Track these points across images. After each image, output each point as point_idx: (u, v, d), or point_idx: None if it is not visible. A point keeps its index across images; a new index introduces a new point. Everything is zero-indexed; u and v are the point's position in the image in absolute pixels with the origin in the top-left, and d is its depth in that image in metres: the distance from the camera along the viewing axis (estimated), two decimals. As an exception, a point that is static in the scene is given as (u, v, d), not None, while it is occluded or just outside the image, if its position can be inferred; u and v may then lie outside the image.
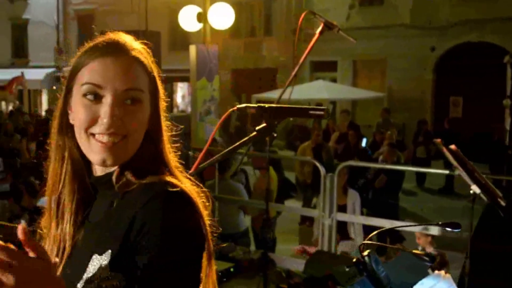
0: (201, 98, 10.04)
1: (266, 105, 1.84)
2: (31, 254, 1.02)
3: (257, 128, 1.88)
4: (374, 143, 13.44)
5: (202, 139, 9.89)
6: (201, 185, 1.44)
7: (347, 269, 5.41)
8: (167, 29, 23.16)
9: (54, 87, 30.85)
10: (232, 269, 5.85)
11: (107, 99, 1.33)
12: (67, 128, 1.44)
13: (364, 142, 13.23)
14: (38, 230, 1.53)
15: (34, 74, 27.60)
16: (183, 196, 1.31)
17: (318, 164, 6.51)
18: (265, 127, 1.86)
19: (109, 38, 1.40)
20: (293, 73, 3.88)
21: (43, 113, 23.21)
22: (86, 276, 1.31)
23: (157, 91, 1.44)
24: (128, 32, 1.48)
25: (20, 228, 1.02)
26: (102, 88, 1.33)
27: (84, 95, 1.35)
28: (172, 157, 1.47)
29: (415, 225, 5.12)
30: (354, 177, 9.39)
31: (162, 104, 1.47)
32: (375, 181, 9.80)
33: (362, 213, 8.51)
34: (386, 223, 6.34)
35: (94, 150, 1.36)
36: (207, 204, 1.40)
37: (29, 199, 9.17)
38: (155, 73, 1.44)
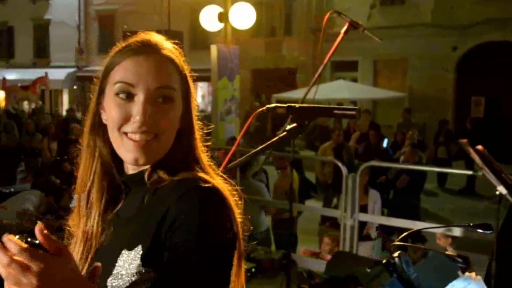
0: (222, 98, 10.05)
1: (296, 105, 1.82)
2: (59, 248, 1.05)
3: (287, 128, 1.86)
4: (395, 143, 13.37)
5: (222, 139, 9.89)
6: (233, 183, 1.44)
7: (368, 270, 5.40)
8: (188, 28, 23.22)
9: (75, 87, 31.12)
10: (253, 269, 5.85)
11: (140, 97, 1.34)
12: (98, 128, 1.46)
13: (385, 143, 13.16)
14: (67, 228, 1.54)
15: (55, 74, 27.78)
16: (216, 192, 1.32)
17: (340, 164, 6.48)
18: (295, 127, 1.85)
19: (141, 38, 1.42)
20: (318, 73, 3.87)
21: (64, 113, 23.36)
22: (115, 271, 1.32)
23: (189, 90, 1.45)
24: (151, 32, 1.49)
25: (38, 229, 1.04)
26: (134, 86, 1.35)
27: (117, 94, 1.36)
28: (205, 156, 1.48)
29: (446, 227, 5.07)
30: (375, 177, 9.34)
31: (194, 104, 1.48)
32: (396, 182, 9.74)
33: (382, 214, 8.46)
34: (408, 224, 6.30)
35: (127, 149, 1.37)
36: (239, 202, 1.40)
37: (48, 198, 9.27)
38: (187, 73, 1.45)
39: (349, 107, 1.77)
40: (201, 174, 1.37)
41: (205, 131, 1.53)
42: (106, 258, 1.35)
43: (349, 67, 22.61)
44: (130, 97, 1.35)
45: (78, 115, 20.11)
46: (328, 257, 6.64)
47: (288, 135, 1.89)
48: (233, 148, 1.99)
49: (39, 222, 1.05)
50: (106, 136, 1.44)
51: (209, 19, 9.97)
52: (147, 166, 1.40)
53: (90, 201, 1.47)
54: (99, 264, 1.23)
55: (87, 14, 31.29)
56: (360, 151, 12.47)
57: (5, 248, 1.01)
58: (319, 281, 5.88)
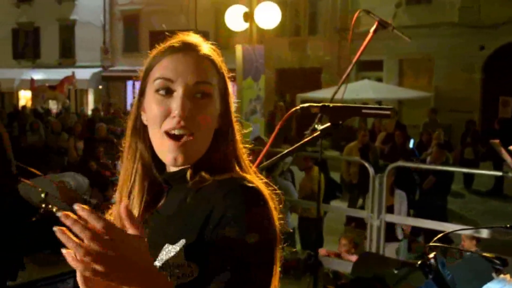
0: (247, 98, 10.05)
1: (330, 105, 1.81)
2: (131, 231, 1.10)
3: (321, 127, 1.85)
4: (420, 144, 13.27)
5: (247, 139, 9.89)
6: (274, 186, 1.46)
7: (395, 271, 5.35)
8: (212, 28, 23.28)
9: (100, 87, 31.38)
10: (279, 269, 5.83)
11: (179, 92, 1.37)
12: (139, 130, 1.49)
13: (411, 143, 13.05)
14: None
15: (80, 74, 28.06)
16: (259, 192, 1.35)
17: (367, 165, 6.45)
18: (328, 127, 1.84)
19: (179, 38, 1.46)
20: (347, 72, 3.85)
21: (89, 112, 23.59)
22: (158, 263, 1.36)
23: (227, 90, 1.47)
24: (178, 31, 1.51)
25: (123, 206, 1.11)
26: (173, 82, 1.38)
27: (157, 90, 1.40)
28: (245, 157, 1.51)
29: (482, 228, 5.00)
30: (401, 178, 9.27)
31: (232, 104, 1.50)
32: (422, 182, 9.66)
33: (408, 214, 8.41)
34: (436, 225, 6.25)
35: (166, 149, 1.40)
36: (280, 206, 1.42)
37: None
38: (225, 73, 1.47)
39: (384, 106, 1.75)
40: (243, 175, 1.41)
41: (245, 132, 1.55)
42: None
43: (374, 66, 22.47)
44: (169, 92, 1.39)
45: (102, 114, 20.30)
46: (350, 257, 6.62)
47: (322, 135, 1.87)
48: (266, 148, 1.98)
49: (124, 200, 1.13)
50: (146, 138, 1.47)
51: (234, 18, 9.98)
52: (185, 165, 1.43)
53: (131, 200, 1.50)
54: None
55: (112, 14, 31.51)
56: (385, 152, 12.40)
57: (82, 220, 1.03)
58: (345, 282, 5.87)
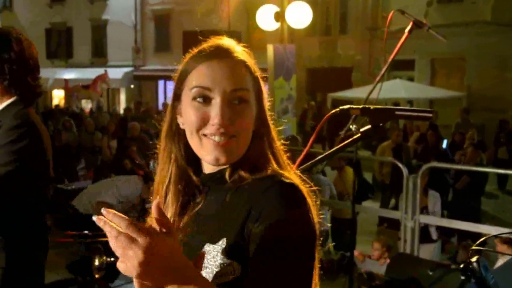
0: (279, 97, 10.07)
1: (371, 107, 1.80)
2: (162, 229, 1.14)
3: (361, 129, 1.85)
4: (453, 144, 13.12)
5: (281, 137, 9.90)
6: (311, 183, 1.47)
7: (430, 273, 5.30)
8: (242, 28, 23.32)
9: (132, 86, 31.65)
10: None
11: (217, 100, 1.39)
12: (174, 133, 1.52)
13: (444, 144, 12.92)
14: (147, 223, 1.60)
15: (112, 73, 28.28)
16: (297, 188, 1.36)
17: (400, 165, 6.41)
18: (369, 129, 1.83)
19: (213, 42, 1.47)
20: (382, 72, 3.83)
21: (121, 111, 23.82)
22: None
23: (261, 91, 1.50)
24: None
25: (155, 204, 1.14)
26: (211, 90, 1.40)
27: (194, 98, 1.42)
28: (283, 155, 1.52)
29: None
30: (434, 178, 9.18)
31: (267, 104, 1.52)
32: (456, 183, 9.56)
33: (442, 215, 8.33)
34: (471, 227, 6.18)
35: (207, 150, 1.42)
36: (317, 203, 1.42)
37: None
38: (258, 74, 1.49)
39: (425, 109, 1.74)
40: (281, 172, 1.42)
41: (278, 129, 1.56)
42: (187, 254, 1.37)
43: (406, 66, 22.27)
44: (207, 100, 1.41)
45: (135, 113, 20.45)
46: (383, 261, 6.57)
47: (362, 137, 1.87)
48: (307, 148, 1.98)
49: (156, 198, 1.16)
50: (181, 140, 1.51)
51: (265, 18, 10.00)
52: (226, 166, 1.45)
53: (167, 203, 1.53)
54: (204, 251, 1.34)
55: (144, 14, 31.74)
56: (418, 152, 12.30)
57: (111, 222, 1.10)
58: (379, 283, 5.83)
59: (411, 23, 3.90)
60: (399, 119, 1.96)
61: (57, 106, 26.53)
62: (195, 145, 1.45)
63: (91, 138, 14.03)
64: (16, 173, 2.63)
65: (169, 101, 1.54)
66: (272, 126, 1.52)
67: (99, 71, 24.77)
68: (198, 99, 1.41)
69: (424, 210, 7.10)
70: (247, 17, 23.64)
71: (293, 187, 1.35)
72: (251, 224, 1.32)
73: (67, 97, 30.30)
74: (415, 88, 20.60)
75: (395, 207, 9.26)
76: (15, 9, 36.84)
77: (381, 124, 1.82)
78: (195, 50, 1.47)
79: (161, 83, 31.21)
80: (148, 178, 11.49)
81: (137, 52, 31.45)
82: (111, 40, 32.79)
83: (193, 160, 1.51)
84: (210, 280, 1.34)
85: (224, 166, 1.45)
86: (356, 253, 7.03)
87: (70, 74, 30.24)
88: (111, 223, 1.10)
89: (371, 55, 23.75)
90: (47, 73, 31.56)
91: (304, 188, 1.39)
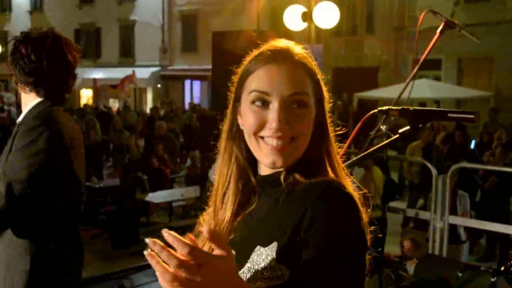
0: (306, 97, 10.07)
1: (410, 108, 1.80)
2: (218, 252, 1.09)
3: (400, 131, 1.85)
4: (481, 144, 12.98)
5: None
6: (364, 189, 1.48)
7: (460, 274, 5.27)
8: (268, 28, 23.33)
9: (159, 86, 31.85)
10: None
11: (274, 105, 1.40)
12: (235, 134, 1.53)
13: (473, 144, 12.79)
14: (200, 222, 1.62)
15: (140, 73, 28.50)
16: (350, 196, 1.36)
17: (429, 165, 6.39)
18: (408, 130, 1.83)
19: (272, 45, 1.47)
20: (414, 71, 3.80)
21: (148, 111, 23.98)
22: (249, 265, 1.38)
23: (322, 93, 1.49)
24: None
25: (206, 230, 1.08)
26: (269, 94, 1.40)
27: (253, 102, 1.43)
28: (338, 158, 1.51)
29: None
30: (462, 179, 9.11)
31: (327, 106, 1.52)
32: (484, 183, 9.48)
33: (470, 216, 8.26)
34: (501, 228, 6.14)
35: (265, 153, 1.43)
36: (368, 210, 1.42)
37: (140, 194, 9.54)
38: (319, 76, 1.48)
39: (466, 110, 1.74)
40: (335, 178, 1.43)
41: (340, 132, 1.57)
42: (240, 253, 1.39)
43: (432, 65, 22.08)
44: (265, 104, 1.41)
45: (162, 113, 20.57)
46: (412, 261, 6.54)
47: (401, 138, 1.87)
48: (344, 149, 2.00)
49: (207, 226, 1.09)
50: (242, 141, 1.52)
51: (292, 18, 9.98)
52: (282, 168, 1.46)
53: (225, 201, 1.54)
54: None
55: (171, 15, 31.90)
56: (444, 152, 12.19)
57: (171, 248, 1.03)
58: (407, 284, 5.81)
59: (442, 24, 3.86)
60: (438, 120, 1.95)
61: (85, 105, 26.78)
62: (253, 147, 1.46)
63: (119, 137, 14.15)
64: (36, 176, 2.58)
65: (230, 102, 1.54)
66: (331, 130, 1.52)
67: (127, 70, 24.99)
68: (257, 103, 1.42)
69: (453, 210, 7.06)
70: (273, 18, 23.62)
71: (346, 194, 1.35)
72: (303, 230, 1.32)
73: (95, 96, 30.59)
74: (442, 88, 20.42)
75: (423, 208, 9.20)
76: (45, 10, 37.31)
77: (420, 126, 1.81)
78: (255, 52, 1.47)
79: (187, 82, 31.38)
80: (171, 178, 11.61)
81: (164, 52, 31.64)
82: (139, 40, 33.02)
83: (252, 161, 1.52)
84: (259, 282, 1.34)
85: (280, 169, 1.46)
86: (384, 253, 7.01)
87: (98, 74, 30.53)
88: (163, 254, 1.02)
89: (398, 54, 23.61)
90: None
91: (356, 195, 1.39)
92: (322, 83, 1.50)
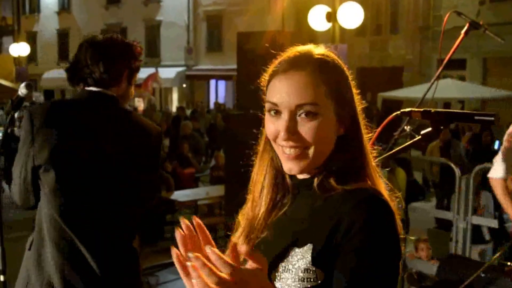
0: (330, 97, 10.06)
1: (432, 110, 1.83)
2: (252, 265, 1.12)
3: (422, 132, 1.88)
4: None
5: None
6: (396, 190, 1.51)
7: (483, 275, 5.26)
8: (293, 28, 23.36)
9: (184, 85, 31.98)
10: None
11: (284, 115, 1.43)
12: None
13: (496, 145, 12.70)
14: (237, 219, 1.67)
15: (165, 73, 28.69)
16: (387, 205, 1.38)
17: (452, 165, 6.38)
18: (430, 131, 1.87)
19: (288, 55, 1.49)
20: (438, 71, 3.81)
21: (174, 110, 24.13)
22: (284, 264, 1.41)
23: (344, 97, 1.48)
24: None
25: (243, 249, 1.11)
26: (278, 106, 1.44)
27: (269, 111, 1.47)
28: (372, 162, 1.53)
29: None
30: (486, 179, 9.05)
31: (358, 108, 1.51)
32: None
33: (495, 217, 8.22)
34: (524, 228, 6.11)
35: (283, 160, 1.48)
36: (399, 213, 1.44)
37: (165, 192, 9.62)
38: (341, 78, 1.48)
39: (487, 112, 1.77)
40: (371, 185, 1.44)
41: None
42: (271, 252, 1.45)
43: (457, 65, 21.91)
44: (278, 113, 1.45)
45: (187, 112, 20.69)
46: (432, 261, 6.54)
47: (423, 139, 1.91)
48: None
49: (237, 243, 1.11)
50: None
51: (317, 19, 10.00)
52: (315, 174, 1.49)
53: (261, 199, 1.59)
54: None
55: (196, 15, 32.02)
56: (470, 152, 12.13)
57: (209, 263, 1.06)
58: (430, 284, 5.82)
59: (467, 25, 3.86)
60: (460, 122, 1.98)
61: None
62: (277, 153, 1.51)
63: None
64: None
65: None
66: (364, 131, 1.52)
67: (152, 70, 25.16)
68: (271, 112, 1.46)
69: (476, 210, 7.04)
70: (298, 18, 23.62)
71: (383, 203, 1.37)
72: (339, 236, 1.34)
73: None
74: (466, 88, 20.23)
75: (446, 207, 9.16)
76: (72, 11, 37.72)
77: (442, 127, 1.85)
78: (277, 60, 1.49)
79: (212, 82, 31.49)
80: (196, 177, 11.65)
81: (189, 52, 31.76)
82: (164, 40, 33.20)
83: None
84: (293, 283, 1.38)
85: (312, 174, 1.49)
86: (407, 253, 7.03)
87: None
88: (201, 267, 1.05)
89: (422, 54, 23.47)
90: (102, 72, 32.20)
91: (392, 203, 1.41)
92: (348, 82, 1.50)
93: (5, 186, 2.94)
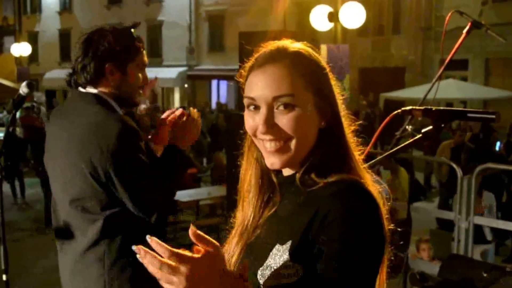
0: (332, 98, 10.05)
1: (433, 108, 1.82)
2: (207, 249, 1.16)
3: (423, 130, 1.87)
4: (508, 145, 12.87)
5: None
6: (382, 183, 1.49)
7: (485, 275, 5.25)
8: (294, 28, 23.34)
9: (186, 85, 32.00)
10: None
11: (262, 109, 1.43)
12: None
13: (498, 146, 12.69)
14: (231, 220, 1.68)
15: (167, 73, 28.74)
16: (367, 194, 1.36)
17: (454, 166, 6.37)
18: (431, 130, 1.86)
19: (262, 50, 1.49)
20: (440, 71, 3.80)
21: (175, 110, 24.08)
22: (267, 262, 1.41)
23: (323, 89, 1.46)
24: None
25: (191, 232, 1.16)
26: (255, 100, 1.44)
27: (248, 106, 1.47)
28: (356, 153, 1.51)
29: None
30: (489, 180, 9.06)
31: (337, 100, 1.50)
32: (511, 184, 9.41)
33: (497, 217, 8.21)
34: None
35: (265, 155, 1.48)
36: (387, 204, 1.43)
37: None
38: (319, 70, 1.47)
39: (488, 110, 1.76)
40: (352, 176, 1.42)
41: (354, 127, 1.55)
42: (261, 251, 1.46)
43: (459, 66, 21.89)
44: (257, 108, 1.44)
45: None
46: (434, 262, 6.54)
47: (424, 138, 1.89)
48: (367, 149, 2.03)
49: (191, 226, 1.16)
50: None
51: (319, 18, 9.99)
52: (296, 170, 1.49)
53: (249, 199, 1.60)
54: (246, 261, 1.33)
55: (198, 15, 32.03)
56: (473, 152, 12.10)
57: (155, 253, 1.13)
58: (432, 284, 5.80)
59: (469, 24, 3.85)
60: (460, 120, 1.97)
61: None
62: (260, 148, 1.50)
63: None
64: None
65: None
66: (345, 123, 1.50)
67: (155, 70, 25.17)
68: (250, 108, 1.46)
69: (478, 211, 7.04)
70: (300, 18, 23.62)
71: (362, 191, 1.35)
72: (315, 228, 1.33)
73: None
74: (468, 88, 20.21)
75: (449, 208, 9.16)
76: (74, 10, 37.76)
77: (442, 125, 1.83)
78: (252, 59, 1.49)
79: (214, 82, 31.50)
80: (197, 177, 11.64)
81: (191, 52, 31.77)
82: (166, 40, 33.21)
83: None
84: (274, 280, 1.37)
85: (296, 170, 1.48)
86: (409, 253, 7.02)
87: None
88: (151, 252, 1.12)
89: (424, 55, 23.45)
90: (103, 73, 32.27)
91: (376, 191, 1.39)
92: (326, 75, 1.48)
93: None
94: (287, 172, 1.53)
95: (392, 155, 2.01)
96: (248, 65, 1.49)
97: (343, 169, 1.43)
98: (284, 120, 1.41)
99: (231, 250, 1.59)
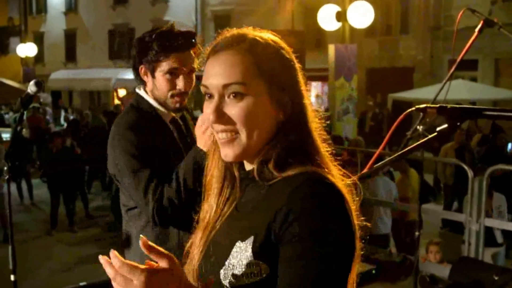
0: (340, 97, 10.03)
1: (448, 106, 1.76)
2: (162, 263, 1.15)
3: (438, 129, 1.81)
4: (519, 146, 12.79)
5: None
6: (352, 176, 1.42)
7: (496, 278, 5.18)
8: (302, 28, 23.32)
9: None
10: (374, 271, 5.77)
11: (214, 98, 1.37)
12: None
13: (509, 147, 12.58)
14: (197, 215, 1.61)
15: (174, 73, 28.56)
16: (331, 187, 1.30)
17: (465, 167, 6.30)
18: (446, 128, 1.79)
19: (221, 36, 1.43)
20: (451, 72, 3.75)
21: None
22: (228, 262, 1.35)
23: (279, 79, 1.38)
24: (276, 31, 1.47)
25: (141, 242, 1.14)
26: (208, 88, 1.38)
27: (205, 95, 1.40)
28: (322, 146, 1.43)
29: None
30: (500, 181, 8.97)
31: (301, 92, 1.43)
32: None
33: (508, 219, 8.13)
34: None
35: (220, 146, 1.42)
36: (356, 198, 1.37)
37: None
38: (276, 59, 1.39)
39: (506, 108, 1.69)
40: (316, 169, 1.35)
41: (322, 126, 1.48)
42: (222, 249, 1.40)
43: (469, 66, 21.78)
44: (211, 97, 1.39)
45: (196, 114, 20.72)
46: (443, 264, 6.47)
47: (439, 136, 1.83)
48: (380, 149, 1.97)
49: (141, 236, 1.15)
50: None
51: (326, 18, 9.98)
52: (235, 160, 1.44)
53: (211, 193, 1.53)
54: (212, 278, 1.34)
55: (204, 15, 32.10)
56: (481, 154, 12.02)
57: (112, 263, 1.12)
58: (442, 286, 5.73)
59: (481, 22, 3.78)
60: (477, 118, 1.90)
61: (117, 105, 27.03)
62: (217, 139, 1.45)
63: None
64: None
65: None
66: (310, 116, 1.43)
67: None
68: (206, 96, 1.40)
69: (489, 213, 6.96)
70: (307, 17, 23.59)
71: (325, 185, 1.30)
72: (278, 224, 1.27)
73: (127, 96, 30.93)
74: (478, 89, 20.12)
75: (458, 210, 9.08)
76: (79, 11, 37.83)
77: (458, 124, 1.77)
78: (211, 45, 1.44)
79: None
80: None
81: (196, 53, 31.85)
82: (172, 40, 33.23)
83: None
84: (237, 280, 1.32)
85: (253, 163, 1.43)
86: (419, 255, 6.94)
87: (131, 74, 30.82)
88: (110, 262, 1.12)
89: (433, 55, 23.35)
90: (110, 73, 32.36)
91: (342, 185, 1.34)
92: (289, 68, 1.41)
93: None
94: (248, 166, 1.46)
95: (403, 156, 1.93)
96: (207, 51, 1.43)
97: (305, 163, 1.36)
98: (234, 109, 1.35)
99: (195, 247, 1.54)
